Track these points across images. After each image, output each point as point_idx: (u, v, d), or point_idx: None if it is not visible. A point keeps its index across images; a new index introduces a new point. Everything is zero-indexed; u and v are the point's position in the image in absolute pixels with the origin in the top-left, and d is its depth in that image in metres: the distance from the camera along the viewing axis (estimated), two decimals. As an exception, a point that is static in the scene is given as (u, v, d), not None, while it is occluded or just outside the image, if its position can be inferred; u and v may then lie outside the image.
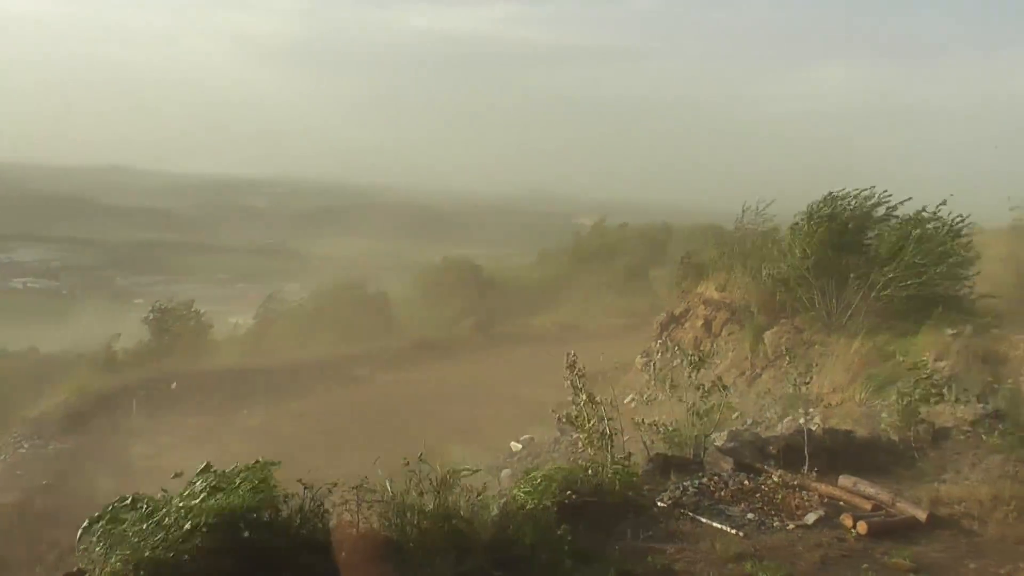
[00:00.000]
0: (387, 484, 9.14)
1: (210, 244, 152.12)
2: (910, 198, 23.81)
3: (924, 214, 22.75)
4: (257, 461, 8.67)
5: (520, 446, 26.08)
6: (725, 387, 14.69)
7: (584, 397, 12.76)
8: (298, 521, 8.48)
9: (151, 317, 50.27)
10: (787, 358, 22.61)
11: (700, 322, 28.69)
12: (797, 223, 24.39)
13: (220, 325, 53.95)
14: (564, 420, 13.83)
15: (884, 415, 15.99)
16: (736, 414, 14.96)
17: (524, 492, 10.38)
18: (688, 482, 12.27)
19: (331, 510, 8.73)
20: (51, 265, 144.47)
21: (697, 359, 14.86)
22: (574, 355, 12.90)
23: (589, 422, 12.59)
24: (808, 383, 17.99)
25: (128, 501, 8.36)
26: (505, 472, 21.23)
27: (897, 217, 23.49)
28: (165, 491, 8.46)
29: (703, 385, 13.90)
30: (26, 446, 33.21)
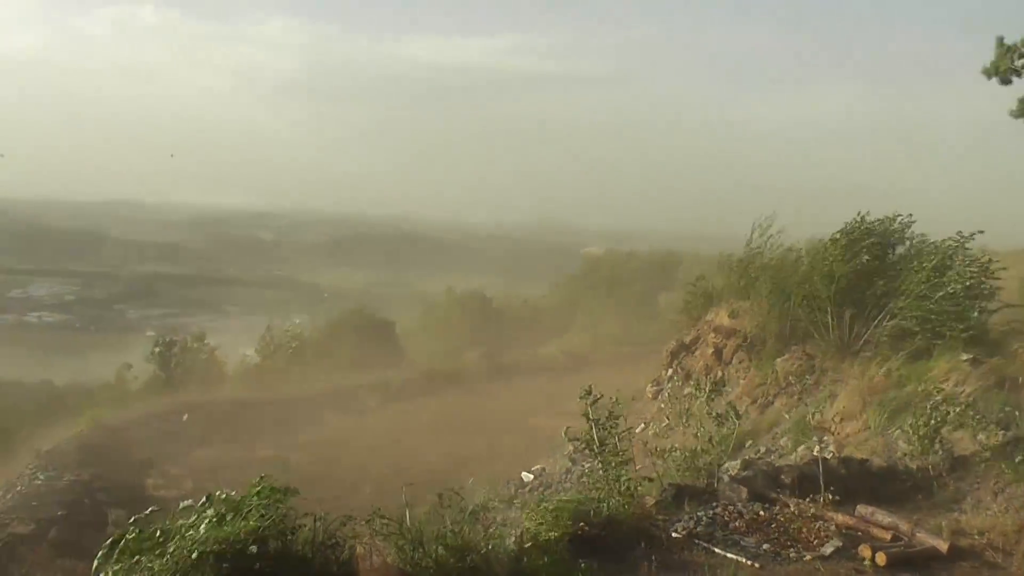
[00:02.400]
0: (406, 516, 9.01)
1: (219, 277, 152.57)
2: (914, 219, 23.46)
3: (950, 242, 22.33)
4: (263, 479, 8.55)
5: (532, 476, 25.85)
6: (739, 416, 14.52)
7: (596, 425, 12.59)
8: (310, 553, 8.34)
9: (158, 351, 50.33)
10: (799, 385, 22.39)
11: (711, 350, 28.41)
12: (825, 246, 23.97)
13: (230, 357, 53.96)
14: (577, 446, 13.68)
15: (901, 443, 15.75)
16: (749, 442, 14.78)
17: (537, 524, 10.23)
18: (702, 511, 12.10)
19: (343, 542, 8.59)
20: (65, 299, 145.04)
21: (710, 387, 14.70)
22: (590, 387, 12.72)
23: (603, 449, 12.41)
24: (821, 411, 17.81)
25: (138, 530, 8.23)
26: (517, 503, 21.04)
27: (925, 243, 23.11)
28: (174, 518, 8.34)
29: (716, 413, 13.75)
30: (41, 477, 33.17)
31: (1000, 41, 13.15)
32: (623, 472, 11.75)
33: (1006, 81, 13.20)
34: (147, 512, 8.60)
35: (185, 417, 39.02)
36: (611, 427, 12.38)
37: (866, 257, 22.69)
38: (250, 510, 8.07)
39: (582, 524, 10.45)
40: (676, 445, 13.95)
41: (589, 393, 12.44)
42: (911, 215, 23.47)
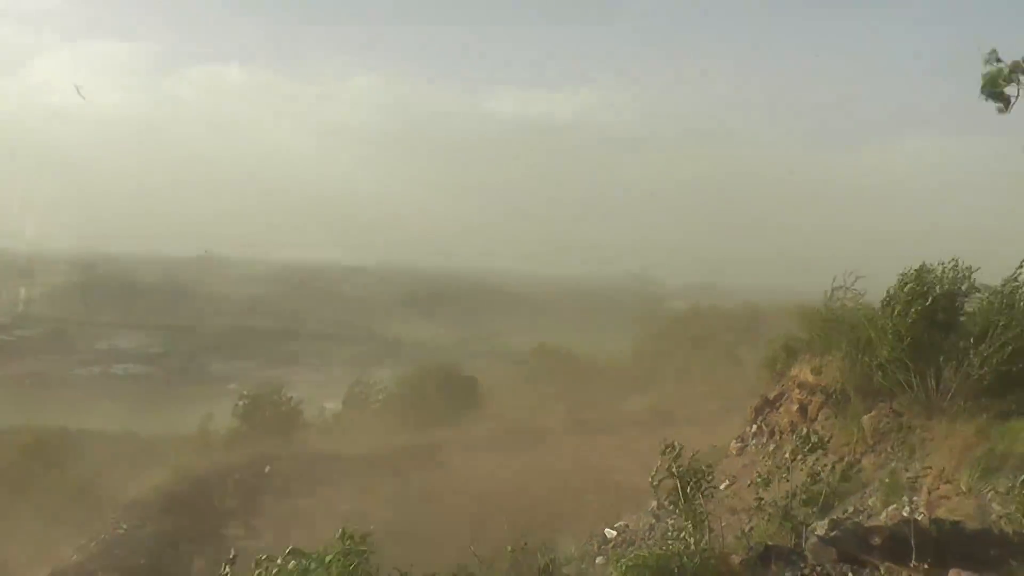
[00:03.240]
0: (487, 572, 8.98)
1: (302, 330, 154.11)
2: (979, 268, 22.90)
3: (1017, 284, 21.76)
4: (345, 533, 8.56)
5: (614, 533, 25.59)
6: (846, 476, 14.23)
7: (682, 480, 12.43)
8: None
9: (241, 403, 50.99)
10: (887, 444, 21.94)
11: (795, 406, 27.97)
12: (889, 302, 23.57)
13: (311, 409, 54.39)
14: (663, 503, 13.49)
15: (995, 505, 15.32)
16: (836, 502, 14.52)
17: (620, 579, 10.13)
18: (789, 572, 11.88)
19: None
20: (150, 351, 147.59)
21: (805, 444, 14.45)
22: (677, 445, 12.57)
23: (689, 506, 12.25)
24: (912, 471, 17.41)
25: None
26: (599, 560, 20.85)
27: (990, 290, 22.57)
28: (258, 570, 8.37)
29: (808, 471, 13.50)
30: (124, 527, 33.73)
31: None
32: (708, 528, 11.61)
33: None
34: (231, 557, 8.65)
35: (267, 469, 39.33)
36: (697, 483, 12.23)
37: (930, 309, 22.14)
38: (333, 564, 8.08)
39: (665, 581, 10.33)
40: (762, 503, 13.71)
41: (672, 448, 12.30)
42: (974, 264, 22.82)
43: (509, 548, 9.28)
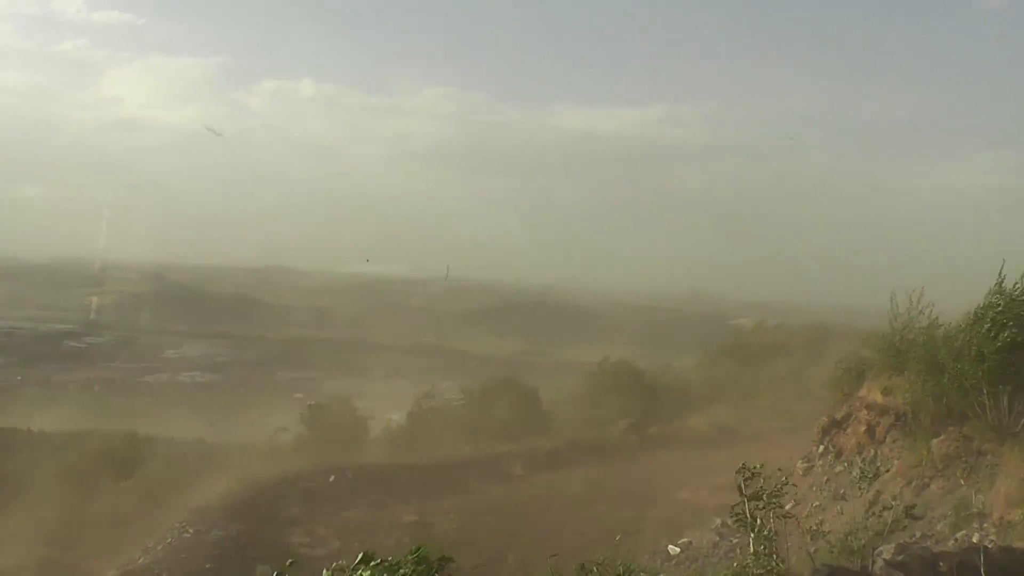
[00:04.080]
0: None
1: (367, 341, 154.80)
2: None
3: None
4: (419, 548, 8.64)
5: (678, 550, 25.53)
6: (912, 513, 14.07)
7: (750, 501, 12.37)
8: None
9: (307, 413, 51.47)
10: (957, 469, 21.58)
11: (863, 427, 27.61)
12: (975, 321, 23.04)
13: (377, 421, 54.69)
14: (731, 521, 13.43)
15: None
16: (904, 526, 14.38)
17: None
18: (855, 596, 11.82)
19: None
20: (217, 360, 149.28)
21: (862, 467, 14.36)
22: (751, 466, 12.53)
23: (757, 526, 12.19)
24: (981, 497, 17.20)
25: None
26: (662, 576, 20.81)
27: None
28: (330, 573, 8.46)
29: (878, 496, 13.42)
30: (191, 531, 34.21)
31: None
32: (775, 550, 11.57)
33: None
34: (288, 563, 8.76)
35: (332, 478, 39.63)
36: (767, 504, 12.18)
37: (1014, 331, 21.71)
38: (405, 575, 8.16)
39: (733, 601, 10.33)
40: (828, 525, 13.66)
41: (746, 469, 12.28)
42: None
43: (581, 565, 9.32)
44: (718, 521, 24.20)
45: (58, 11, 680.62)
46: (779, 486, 12.51)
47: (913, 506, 14.80)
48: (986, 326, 22.04)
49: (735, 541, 21.42)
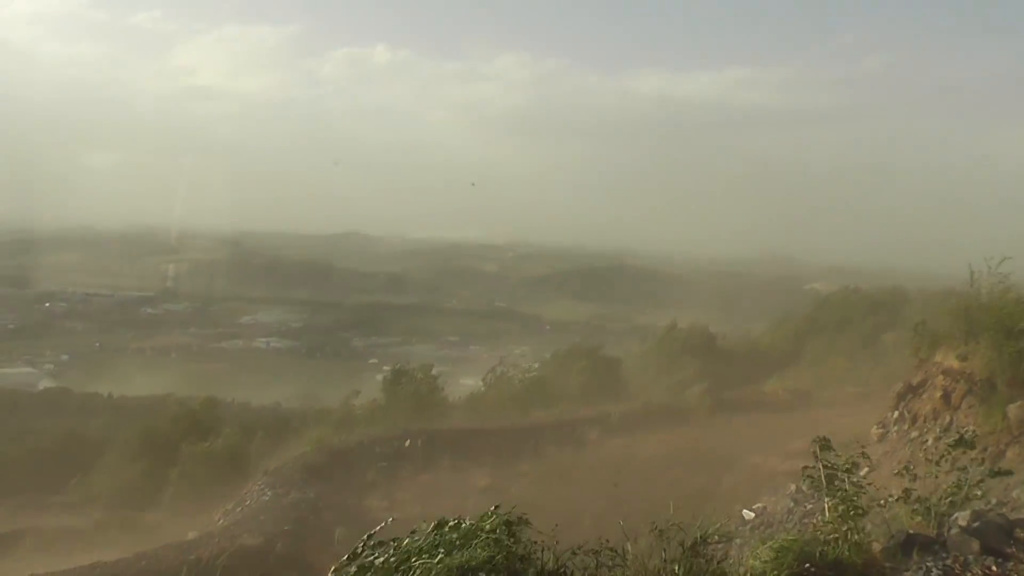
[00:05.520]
0: (628, 548, 9.15)
1: (442, 307, 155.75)
2: None
3: None
4: (496, 511, 8.77)
5: (752, 515, 25.49)
6: (1000, 471, 13.95)
7: (827, 468, 12.39)
8: (539, 580, 8.52)
9: (384, 378, 51.93)
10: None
11: (939, 393, 27.33)
12: None
13: (451, 385, 55.05)
14: (806, 487, 13.45)
15: None
16: (980, 493, 14.33)
17: (761, 562, 10.22)
18: (931, 562, 11.79)
19: (571, 573, 8.76)
20: (292, 326, 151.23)
21: (939, 433, 14.30)
22: (826, 438, 12.54)
23: (834, 492, 12.21)
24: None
25: (373, 543, 8.52)
26: (738, 541, 20.83)
27: None
28: (409, 536, 8.64)
29: (953, 465, 13.34)
30: (269, 494, 34.80)
31: None
32: (853, 515, 11.59)
33: None
34: (379, 529, 8.89)
35: (407, 443, 39.99)
36: (846, 471, 12.20)
37: None
38: (484, 536, 8.31)
39: (808, 565, 10.38)
40: (905, 490, 13.62)
41: (822, 440, 12.30)
42: None
43: (654, 525, 9.43)
44: (792, 487, 24.16)
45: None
46: (854, 456, 12.51)
47: (999, 469, 14.67)
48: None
49: (809, 507, 21.38)
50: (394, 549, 8.42)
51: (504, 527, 8.57)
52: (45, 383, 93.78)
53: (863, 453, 12.78)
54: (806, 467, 12.50)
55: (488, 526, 8.55)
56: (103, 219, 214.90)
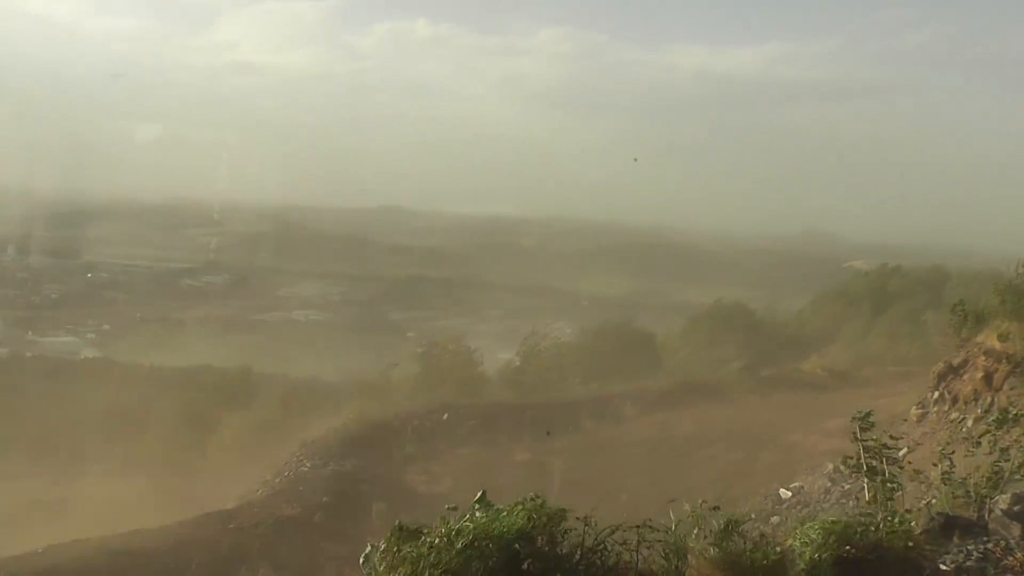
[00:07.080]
0: (672, 526, 9.14)
1: (479, 281, 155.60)
2: None
3: None
4: (534, 499, 8.76)
5: (789, 494, 25.46)
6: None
7: (867, 450, 12.33)
8: (578, 556, 8.55)
9: (421, 351, 52.11)
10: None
11: (980, 374, 27.09)
12: None
13: (488, 359, 55.13)
14: (844, 467, 13.38)
15: None
16: (1021, 476, 14.23)
17: (801, 543, 10.20)
18: (972, 545, 11.74)
19: (609, 549, 8.76)
20: (330, 299, 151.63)
21: (995, 418, 14.15)
22: (865, 413, 12.47)
23: (875, 473, 12.15)
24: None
25: (410, 531, 8.51)
26: (774, 519, 20.79)
27: None
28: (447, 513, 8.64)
29: (995, 446, 13.25)
30: (308, 465, 35.16)
31: None
32: (894, 497, 11.55)
33: None
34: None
35: (445, 416, 40.18)
36: (882, 451, 12.14)
37: None
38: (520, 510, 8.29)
39: (848, 547, 10.34)
40: (945, 472, 13.56)
41: (864, 418, 12.23)
42: None
43: (688, 506, 9.40)
44: (830, 466, 24.09)
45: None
46: (895, 436, 12.44)
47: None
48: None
49: (847, 487, 21.34)
50: (431, 532, 8.36)
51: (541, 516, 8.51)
52: (87, 352, 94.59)
53: (903, 434, 12.70)
54: (846, 456, 12.44)
55: (524, 515, 8.46)
56: (146, 191, 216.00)
